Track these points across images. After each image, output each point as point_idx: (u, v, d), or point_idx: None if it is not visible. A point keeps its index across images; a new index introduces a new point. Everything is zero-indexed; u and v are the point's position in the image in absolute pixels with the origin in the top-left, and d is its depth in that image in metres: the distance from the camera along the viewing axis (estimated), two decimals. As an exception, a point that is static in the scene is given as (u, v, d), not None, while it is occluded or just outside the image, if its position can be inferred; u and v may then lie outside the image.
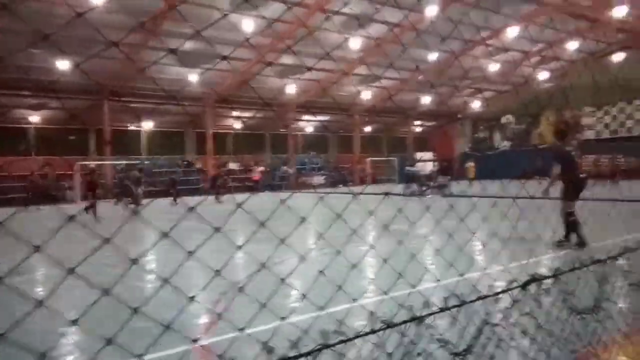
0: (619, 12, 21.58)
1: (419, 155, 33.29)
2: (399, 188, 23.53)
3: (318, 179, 33.55)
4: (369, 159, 36.76)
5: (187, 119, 30.57)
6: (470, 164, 27.89)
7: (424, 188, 21.21)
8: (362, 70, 27.84)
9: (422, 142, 41.51)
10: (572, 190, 7.28)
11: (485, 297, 1.58)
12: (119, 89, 25.13)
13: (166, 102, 26.54)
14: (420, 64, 27.93)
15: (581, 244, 7.03)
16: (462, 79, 31.17)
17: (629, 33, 27.31)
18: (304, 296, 0.92)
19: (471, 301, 1.54)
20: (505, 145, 37.80)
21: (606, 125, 31.82)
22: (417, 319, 1.31)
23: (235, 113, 32.51)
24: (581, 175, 7.51)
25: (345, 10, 21.47)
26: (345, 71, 27.72)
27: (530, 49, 28.89)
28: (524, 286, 1.74)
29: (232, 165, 32.27)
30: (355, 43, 23.77)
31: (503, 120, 37.54)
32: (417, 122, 41.78)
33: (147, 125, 30.39)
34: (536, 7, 23.82)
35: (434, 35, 24.05)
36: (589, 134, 32.19)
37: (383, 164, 37.18)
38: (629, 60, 28.77)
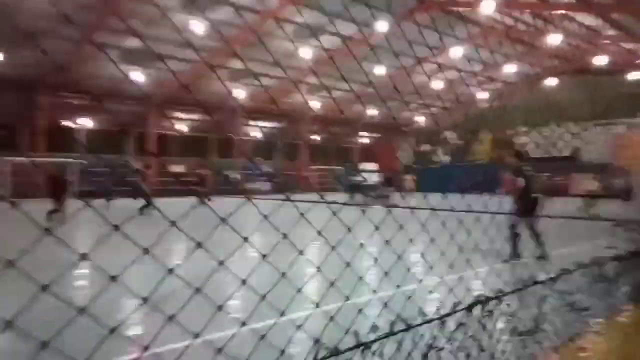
0: (554, 39, 23.03)
1: (363, 166, 33.86)
2: (344, 197, 23.75)
3: (264, 186, 33.31)
4: (315, 167, 36.95)
5: (129, 118, 29.44)
6: (409, 177, 28.66)
7: (367, 199, 21.56)
8: (312, 79, 28.04)
9: (368, 154, 42.26)
10: (524, 208, 7.69)
11: (431, 320, 1.57)
12: (55, 84, 23.85)
13: (107, 100, 25.49)
14: (370, 77, 28.54)
15: (540, 257, 7.42)
16: (409, 94, 32.13)
17: (561, 60, 29.27)
18: (220, 308, 0.86)
19: (417, 325, 1.52)
20: (446, 159, 39.29)
21: (537, 145, 33.79)
22: (364, 345, 1.27)
23: (180, 115, 31.71)
24: (533, 195, 7.90)
25: (298, 19, 21.61)
26: (295, 80, 27.81)
27: (472, 69, 30.29)
28: (470, 308, 1.75)
29: (177, 168, 31.42)
30: (306, 53, 23.93)
31: (444, 135, 39.05)
32: (364, 134, 42.53)
33: (86, 123, 29.00)
34: (479, 30, 25.02)
35: (384, 51, 24.74)
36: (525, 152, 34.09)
37: (329, 173, 37.50)
38: (560, 85, 30.84)
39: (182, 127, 33.27)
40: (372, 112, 35.01)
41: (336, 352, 1.14)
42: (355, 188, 23.18)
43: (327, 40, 23.79)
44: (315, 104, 31.76)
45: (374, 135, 43.28)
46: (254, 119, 33.90)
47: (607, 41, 25.57)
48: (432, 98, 34.03)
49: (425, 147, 41.23)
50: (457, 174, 23.94)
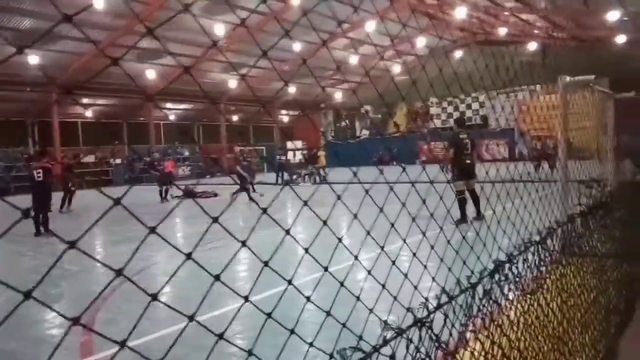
0: (459, 12, 24.06)
1: (290, 144, 33.74)
2: (270, 177, 23.63)
3: (183, 170, 32.17)
4: (238, 148, 36.24)
5: (28, 106, 26.90)
6: (322, 152, 28.96)
7: (294, 177, 21.58)
8: (228, 56, 27.19)
9: (287, 132, 42.14)
10: (460, 173, 8.07)
11: (466, 289, 1.49)
12: None
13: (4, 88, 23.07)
14: (285, 54, 28.20)
15: (462, 220, 7.77)
16: (325, 69, 32.25)
17: (467, 32, 30.71)
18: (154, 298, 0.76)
19: (457, 295, 1.42)
20: (365, 134, 40.21)
21: (449, 115, 35.51)
22: (420, 322, 1.18)
23: (85, 100, 29.55)
24: (467, 161, 8.24)
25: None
26: (207, 57, 26.86)
27: (384, 43, 30.97)
28: (492, 274, 1.68)
29: (87, 158, 29.45)
30: (220, 29, 23.11)
31: (362, 110, 39.85)
32: (283, 112, 42.28)
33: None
34: (389, 5, 25.49)
35: (298, 26, 24.50)
36: (437, 123, 35.68)
37: (251, 153, 36.96)
38: (466, 56, 32.46)
39: (88, 114, 31.12)
40: (290, 89, 34.75)
41: (401, 331, 1.09)
42: (282, 167, 23.12)
43: (241, 16, 23.07)
44: (231, 83, 30.94)
45: (293, 113, 43.20)
46: (167, 101, 32.40)
47: (507, 13, 27.18)
48: (348, 73, 34.45)
49: (345, 123, 41.88)
50: (375, 148, 24.66)
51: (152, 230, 0.74)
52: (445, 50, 32.97)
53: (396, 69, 35.67)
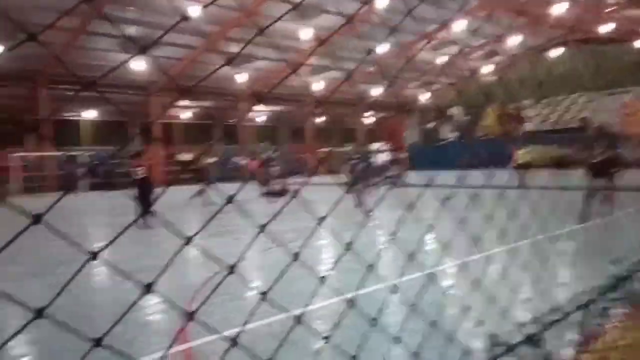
0: (559, 8, 22.55)
1: (375, 146, 33.56)
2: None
3: (273, 170, 33.14)
4: (322, 149, 36.76)
5: (132, 108, 29.29)
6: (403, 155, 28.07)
7: (377, 179, 21.41)
8: (313, 60, 27.71)
9: (372, 134, 41.98)
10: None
11: (583, 306, 1.40)
12: (57, 77, 23.70)
13: (109, 91, 25.26)
14: (371, 56, 28.14)
15: None
16: (412, 71, 31.73)
17: (566, 29, 28.68)
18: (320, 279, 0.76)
19: (572, 312, 1.34)
20: (452, 136, 38.89)
21: (545, 117, 33.32)
22: (531, 339, 1.14)
23: (183, 102, 31.58)
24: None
25: (297, -1, 21.24)
26: (298, 62, 27.51)
27: (474, 43, 29.80)
28: (611, 290, 1.57)
29: (184, 156, 31.40)
30: (306, 33, 23.60)
31: (450, 112, 38.60)
32: (368, 114, 42.19)
33: (89, 115, 28.96)
34: (480, 2, 24.51)
35: (384, 28, 24.34)
36: (530, 126, 33.65)
37: (336, 155, 37.26)
38: (565, 55, 30.28)
39: (187, 115, 33.18)
40: (375, 91, 34.62)
41: (511, 347, 1.05)
42: (365, 169, 22.99)
43: (327, 20, 23.44)
44: (318, 85, 31.44)
45: (379, 114, 42.94)
46: (258, 103, 33.66)
47: (612, 9, 25.00)
48: (436, 74, 33.57)
49: (431, 125, 40.83)
50: (463, 151, 23.72)
51: (262, 229, 0.78)
52: (541, 48, 31.06)
53: (486, 69, 34.15)
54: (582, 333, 1.32)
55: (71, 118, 28.72)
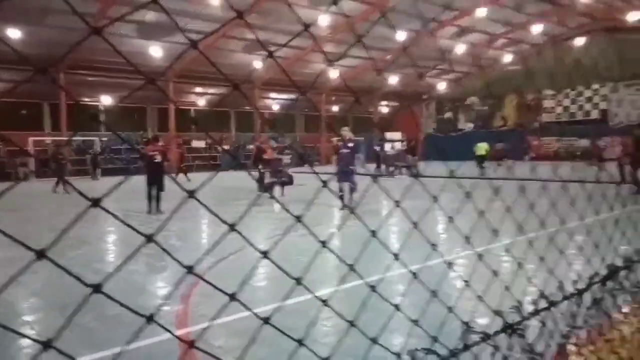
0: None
1: (389, 135, 33.26)
2: (369, 168, 23.48)
3: (285, 159, 33.15)
4: (336, 138, 36.56)
5: (147, 94, 29.38)
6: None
7: (391, 169, 21.25)
8: (329, 48, 27.43)
9: (387, 123, 41.60)
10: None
11: (571, 295, 1.30)
12: (75, 61, 23.83)
13: (126, 76, 25.34)
14: (388, 43, 27.73)
15: None
16: (429, 59, 31.27)
17: (590, 18, 27.91)
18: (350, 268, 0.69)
19: (559, 302, 1.25)
20: (469, 126, 38.32)
21: (565, 109, 32.64)
22: (511, 328, 1.05)
23: (198, 89, 31.61)
24: None
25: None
26: (314, 49, 27.29)
27: (495, 31, 29.18)
28: (604, 281, 1.45)
29: (197, 143, 31.54)
30: (324, 20, 23.34)
31: (467, 101, 37.99)
32: (384, 103, 41.78)
33: (106, 100, 29.16)
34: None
35: (403, 14, 23.96)
36: (549, 117, 33.01)
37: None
38: (588, 45, 29.47)
39: (200, 102, 33.24)
40: (392, 80, 34.20)
41: (487, 336, 0.96)
42: (379, 158, 22.83)
43: (343, 6, 23.11)
44: (333, 73, 31.17)
45: (394, 104, 42.50)
46: (272, 91, 33.57)
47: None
48: (453, 63, 33.04)
49: (448, 115, 40.27)
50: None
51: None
52: (564, 37, 30.31)
53: (507, 58, 33.48)
54: (572, 324, 1.22)
55: (89, 103, 28.94)
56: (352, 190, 10.57)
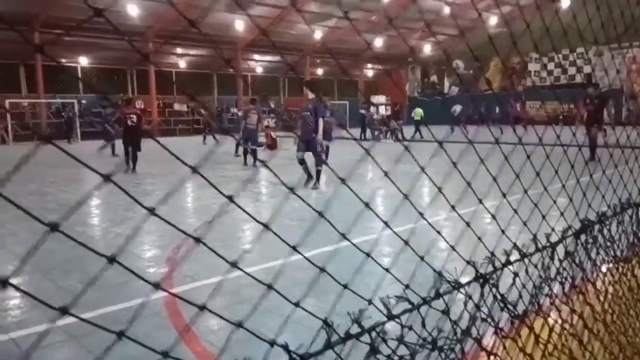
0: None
1: (374, 99, 33.08)
2: (354, 133, 23.40)
3: (269, 123, 32.88)
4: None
5: (127, 55, 28.53)
6: (419, 110, 28.07)
7: (376, 133, 21.25)
8: (313, 7, 26.80)
9: (372, 87, 41.31)
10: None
11: (544, 248, 1.32)
12: (50, 19, 22.92)
13: (102, 36, 24.46)
14: (373, 4, 27.17)
15: None
16: (413, 21, 30.83)
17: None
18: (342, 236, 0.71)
19: (531, 254, 1.27)
20: (454, 90, 38.30)
21: (550, 73, 32.73)
22: (483, 278, 1.08)
23: (179, 50, 30.81)
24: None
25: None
26: (293, 6, 26.61)
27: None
28: (578, 235, 1.47)
29: (178, 107, 31.03)
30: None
31: (453, 65, 37.77)
32: (368, 66, 41.32)
33: (83, 61, 28.32)
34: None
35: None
36: (534, 81, 33.10)
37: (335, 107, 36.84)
38: (574, 6, 29.25)
39: (182, 64, 32.49)
40: (376, 42, 33.70)
41: (459, 285, 0.99)
42: (364, 122, 22.73)
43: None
44: (317, 34, 30.60)
45: (379, 67, 42.06)
46: (255, 52, 32.86)
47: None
48: (440, 25, 32.63)
49: (433, 78, 40.10)
50: (463, 105, 23.41)
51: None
52: (550, -1, 30.00)
53: (492, 20, 33.16)
54: (546, 277, 1.27)
55: (66, 64, 28.03)
56: (317, 163, 8.74)
